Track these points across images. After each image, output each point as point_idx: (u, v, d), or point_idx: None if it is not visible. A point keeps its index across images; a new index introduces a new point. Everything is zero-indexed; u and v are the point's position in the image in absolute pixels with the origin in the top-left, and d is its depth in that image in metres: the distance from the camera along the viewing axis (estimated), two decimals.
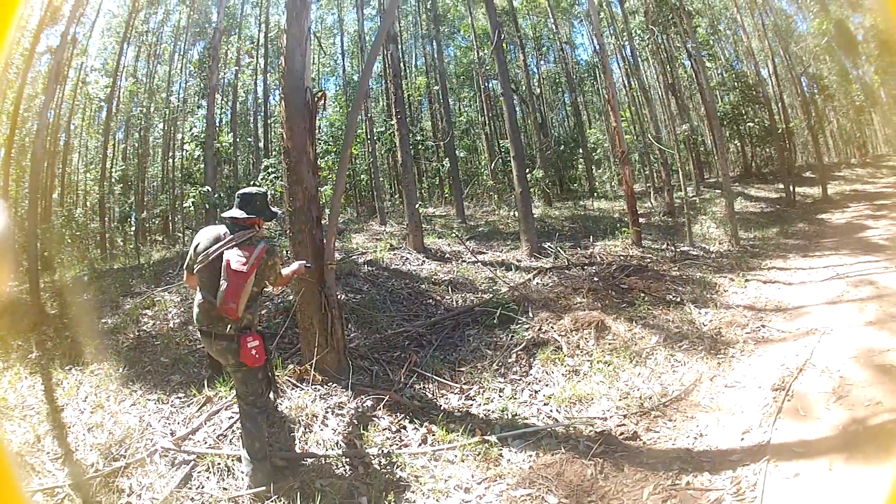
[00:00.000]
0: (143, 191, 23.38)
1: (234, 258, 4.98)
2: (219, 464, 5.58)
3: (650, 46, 27.11)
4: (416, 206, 15.16)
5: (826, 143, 34.35)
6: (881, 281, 9.70)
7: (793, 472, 4.54)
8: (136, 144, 24.68)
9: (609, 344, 8.21)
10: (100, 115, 24.00)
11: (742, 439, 5.41)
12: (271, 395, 5.83)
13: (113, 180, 20.00)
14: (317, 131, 7.95)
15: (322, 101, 7.64)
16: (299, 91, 7.21)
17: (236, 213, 5.26)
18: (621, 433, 5.87)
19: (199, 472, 5.59)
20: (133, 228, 19.55)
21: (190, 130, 17.69)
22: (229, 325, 5.07)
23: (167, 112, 23.46)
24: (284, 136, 7.27)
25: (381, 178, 26.10)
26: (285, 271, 5.59)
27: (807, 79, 27.71)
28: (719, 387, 6.76)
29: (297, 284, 7.16)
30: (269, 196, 5.72)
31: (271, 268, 5.23)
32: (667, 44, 24.15)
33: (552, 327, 8.89)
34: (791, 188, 23.46)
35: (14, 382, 8.01)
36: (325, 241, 7.33)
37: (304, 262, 6.13)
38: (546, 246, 14.73)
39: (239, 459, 5.56)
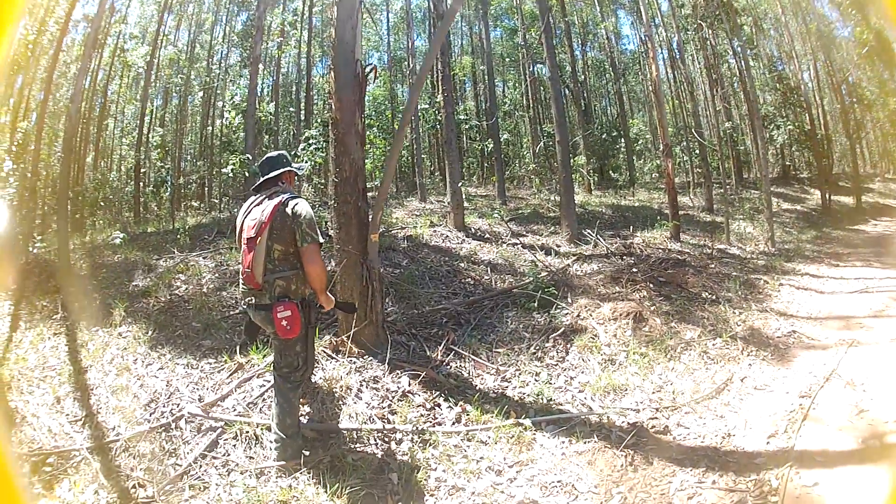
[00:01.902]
0: (180, 157, 23.48)
1: (248, 223, 5.05)
2: (247, 432, 5.58)
3: (696, 41, 26.89)
4: (459, 184, 15.21)
5: (863, 153, 33.91)
6: None
7: (813, 480, 4.58)
8: (175, 111, 24.82)
9: (646, 336, 8.26)
10: (137, 82, 24.12)
11: (767, 443, 5.45)
12: (308, 371, 5.66)
13: (150, 146, 20.08)
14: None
15: (373, 75, 7.73)
16: (349, 63, 7.25)
17: (266, 175, 5.28)
18: (653, 426, 5.92)
19: (226, 439, 5.58)
20: (168, 194, 19.66)
21: (231, 99, 17.75)
22: (267, 294, 5.01)
23: (207, 80, 23.54)
24: (333, 106, 7.30)
25: (423, 156, 26.11)
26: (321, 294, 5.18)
27: (847, 87, 27.38)
28: (749, 388, 6.79)
29: (339, 255, 7.21)
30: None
31: (296, 221, 4.91)
32: (713, 40, 23.92)
33: (591, 314, 8.94)
34: (827, 195, 23.30)
35: (36, 343, 7.94)
36: (369, 213, 7.39)
37: (340, 302, 5.88)
38: (586, 233, 14.77)
39: (268, 429, 5.51)
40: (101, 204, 16.47)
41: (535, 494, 4.81)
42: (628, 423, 6.02)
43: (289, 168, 5.38)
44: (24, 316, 8.93)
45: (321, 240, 4.97)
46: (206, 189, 23.83)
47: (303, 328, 5.02)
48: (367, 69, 7.52)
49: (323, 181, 20.39)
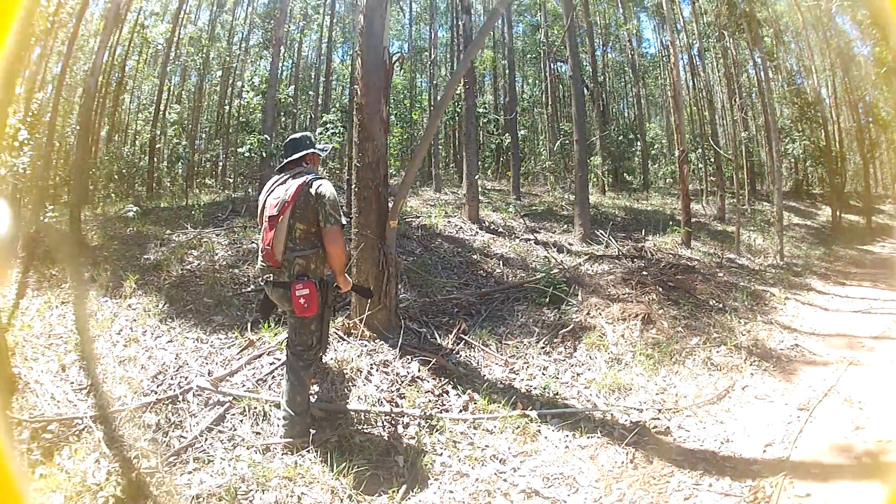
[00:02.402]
0: (195, 135, 23.55)
1: (271, 201, 5.10)
2: (255, 408, 5.65)
3: (717, 50, 26.88)
4: (476, 177, 15.30)
5: (875, 175, 33.78)
6: None
7: (805, 491, 4.66)
8: (192, 89, 24.87)
9: (653, 338, 8.38)
10: (156, 59, 24.14)
11: (764, 451, 5.56)
12: (321, 350, 5.79)
13: (167, 122, 20.14)
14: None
15: (399, 63, 7.86)
16: (377, 51, 7.35)
17: (290, 156, 5.36)
18: (654, 427, 6.04)
19: (233, 414, 5.64)
20: (183, 170, 19.69)
21: (250, 80, 17.81)
22: (286, 272, 5.06)
23: (227, 59, 23.59)
24: (359, 92, 7.38)
25: (439, 147, 26.21)
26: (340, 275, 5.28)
27: (864, 106, 27.31)
28: (749, 397, 6.92)
29: (356, 239, 7.29)
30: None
31: (320, 201, 4.97)
32: (734, 49, 23.90)
33: (600, 313, 9.07)
34: (838, 213, 23.31)
35: (43, 311, 7.92)
36: (389, 199, 7.50)
37: (357, 286, 6.19)
38: (598, 233, 14.88)
39: (277, 406, 5.60)
40: (115, 177, 16.51)
41: (537, 485, 4.92)
42: (631, 421, 6.13)
43: (312, 150, 5.45)
44: (31, 284, 8.96)
45: (343, 221, 5.04)
46: (221, 168, 23.92)
47: (320, 307, 5.09)
48: (394, 58, 7.65)
49: (338, 166, 20.51)
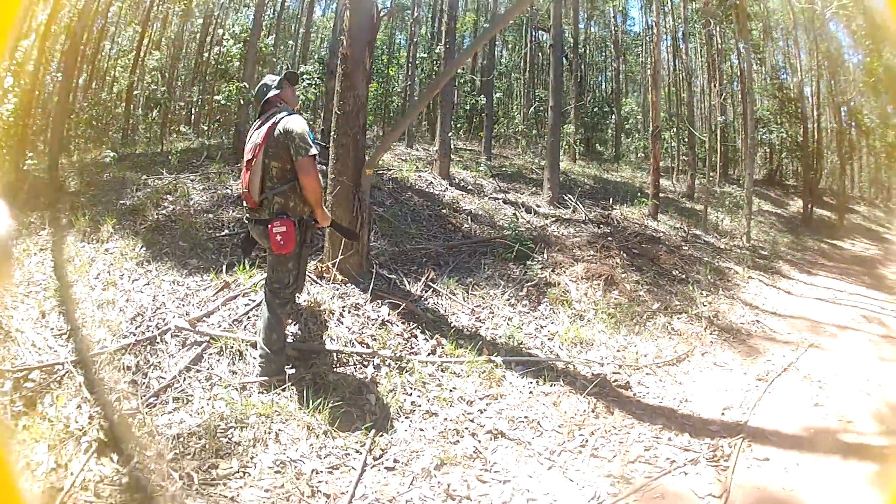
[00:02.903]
0: (173, 82, 23.26)
1: (248, 146, 5.18)
2: (231, 347, 5.69)
3: (702, 37, 26.97)
4: (449, 134, 15.37)
5: (852, 176, 34.16)
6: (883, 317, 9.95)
7: (764, 455, 4.82)
8: (172, 37, 24.53)
9: (615, 299, 8.57)
10: (138, 5, 23.76)
11: (723, 414, 5.74)
12: (297, 289, 5.82)
13: (146, 68, 19.87)
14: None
15: (389, 18, 7.90)
16: (365, 2, 7.39)
17: (261, 101, 5.39)
18: (615, 380, 6.20)
19: (211, 353, 5.67)
20: (158, 117, 19.46)
21: (231, 28, 17.60)
22: (266, 210, 5.10)
23: (210, 6, 23.29)
24: (344, 42, 7.38)
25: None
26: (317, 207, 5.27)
27: (847, 109, 27.55)
28: (708, 363, 7.13)
29: (332, 184, 7.30)
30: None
31: (288, 137, 4.96)
32: (719, 38, 23.99)
33: (564, 272, 9.26)
34: (809, 206, 23.57)
35: (22, 259, 7.73)
36: (366, 148, 7.58)
37: (342, 227, 6.17)
38: (566, 197, 15.02)
39: (253, 346, 5.64)
40: (93, 123, 16.27)
41: (503, 426, 5.04)
42: (592, 373, 6.28)
43: (279, 89, 5.44)
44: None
45: (314, 151, 5.01)
46: (196, 115, 23.68)
47: (297, 246, 5.14)
48: (382, 13, 7.71)
49: (312, 116, 20.42)
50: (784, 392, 6.36)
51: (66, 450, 4.14)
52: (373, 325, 6.51)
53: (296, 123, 5.02)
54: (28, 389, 4.89)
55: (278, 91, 5.38)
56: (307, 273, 6.93)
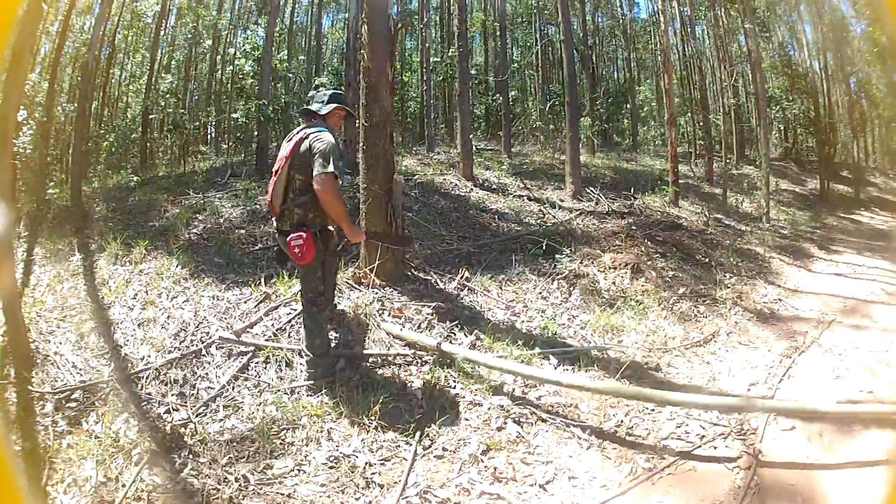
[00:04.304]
0: (187, 104, 23.46)
1: (279, 155, 5.39)
2: (277, 356, 5.92)
3: (709, 19, 26.96)
4: (470, 135, 15.58)
5: (866, 148, 33.93)
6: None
7: (790, 425, 5.07)
8: (182, 59, 24.73)
9: (642, 286, 8.82)
10: (145, 31, 23.88)
11: (749, 390, 6.03)
12: (328, 296, 6.01)
13: (159, 92, 20.10)
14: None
15: (404, 30, 8.17)
16: (382, 16, 7.64)
17: (306, 110, 5.68)
18: (646, 363, 6.51)
19: (257, 362, 5.89)
20: (175, 139, 19.64)
21: (243, 45, 17.80)
22: (287, 221, 5.31)
23: (218, 27, 23.49)
24: (366, 56, 7.59)
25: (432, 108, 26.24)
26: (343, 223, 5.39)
27: (856, 80, 27.41)
28: (734, 343, 7.40)
29: (365, 194, 7.57)
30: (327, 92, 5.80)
31: (312, 153, 5.09)
32: (725, 18, 23.99)
33: (592, 263, 9.51)
34: (826, 182, 23.58)
35: (53, 285, 7.94)
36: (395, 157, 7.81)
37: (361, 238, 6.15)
38: (588, 190, 15.16)
39: (299, 354, 5.85)
40: (112, 150, 16.52)
41: (543, 412, 5.34)
42: (624, 357, 6.53)
43: (321, 103, 5.64)
44: (37, 261, 9.05)
45: (331, 169, 5.02)
46: (214, 134, 23.87)
47: (317, 255, 5.33)
48: (398, 24, 7.99)
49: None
50: (807, 366, 6.62)
51: (115, 463, 4.40)
52: (413, 325, 6.75)
53: (321, 142, 5.15)
54: (71, 409, 5.07)
55: (317, 109, 5.60)
56: (347, 280, 7.32)
